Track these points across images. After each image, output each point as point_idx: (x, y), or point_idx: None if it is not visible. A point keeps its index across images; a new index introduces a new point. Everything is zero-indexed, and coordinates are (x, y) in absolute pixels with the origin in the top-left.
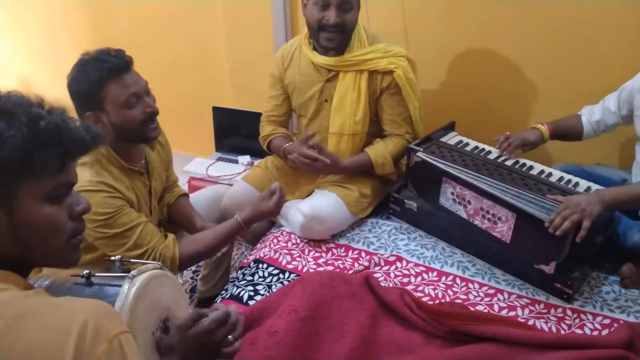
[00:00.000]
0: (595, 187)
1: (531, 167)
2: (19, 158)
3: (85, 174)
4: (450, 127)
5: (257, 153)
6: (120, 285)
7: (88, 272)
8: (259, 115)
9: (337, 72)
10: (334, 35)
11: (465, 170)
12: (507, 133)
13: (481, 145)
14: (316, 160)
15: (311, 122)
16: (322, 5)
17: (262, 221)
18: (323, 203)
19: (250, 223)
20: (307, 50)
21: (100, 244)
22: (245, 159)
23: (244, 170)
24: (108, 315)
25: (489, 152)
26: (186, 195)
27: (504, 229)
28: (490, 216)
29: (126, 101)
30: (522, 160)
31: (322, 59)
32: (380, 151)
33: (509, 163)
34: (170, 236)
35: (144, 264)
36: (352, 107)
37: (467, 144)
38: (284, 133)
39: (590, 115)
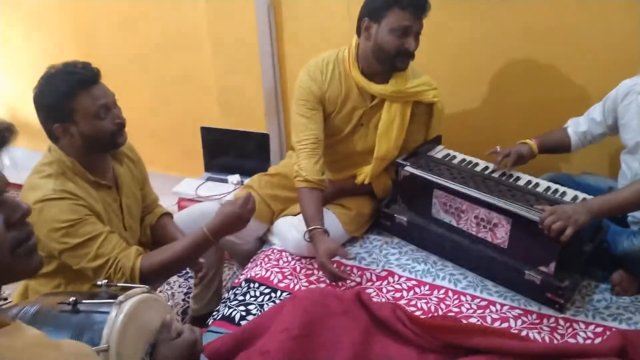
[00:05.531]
0: (582, 195)
1: (518, 178)
2: None
3: (49, 184)
4: (436, 141)
5: (247, 172)
6: (107, 312)
7: (74, 299)
8: (247, 134)
9: (383, 99)
10: (407, 59)
11: (453, 183)
12: (498, 148)
13: (468, 158)
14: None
15: (338, 144)
16: (402, 32)
17: (232, 232)
18: None
19: (217, 231)
20: (358, 77)
21: (65, 256)
22: (234, 178)
23: (234, 190)
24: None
25: (476, 164)
26: (169, 214)
27: (501, 235)
28: (485, 223)
29: (97, 112)
30: (509, 172)
31: (379, 89)
32: (382, 182)
33: (496, 175)
34: (134, 247)
35: (131, 287)
36: (397, 133)
37: (454, 157)
38: (325, 187)
39: (576, 126)
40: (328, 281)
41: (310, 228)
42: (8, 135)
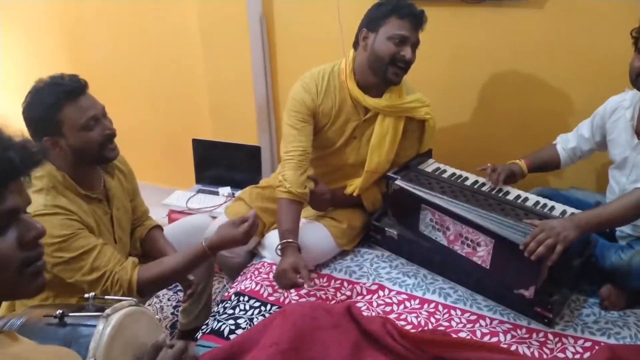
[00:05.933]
0: (570, 210)
1: (507, 193)
2: None
3: (40, 199)
4: (427, 155)
5: (238, 184)
6: (94, 325)
7: (61, 311)
8: (238, 146)
9: (376, 113)
10: (401, 71)
11: (443, 197)
12: (489, 164)
13: (458, 172)
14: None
15: (330, 156)
16: (399, 41)
17: (230, 248)
18: (309, 232)
19: (216, 249)
20: (353, 88)
21: (58, 270)
22: (225, 190)
23: (225, 202)
24: None
25: (466, 178)
26: (159, 227)
27: (483, 255)
28: (469, 242)
29: (85, 124)
30: (499, 186)
31: (373, 102)
32: (371, 195)
33: (485, 189)
34: (130, 259)
35: (119, 300)
36: (389, 147)
37: (444, 171)
38: (306, 201)
39: (565, 143)
40: (279, 288)
41: (284, 241)
42: (40, 158)
